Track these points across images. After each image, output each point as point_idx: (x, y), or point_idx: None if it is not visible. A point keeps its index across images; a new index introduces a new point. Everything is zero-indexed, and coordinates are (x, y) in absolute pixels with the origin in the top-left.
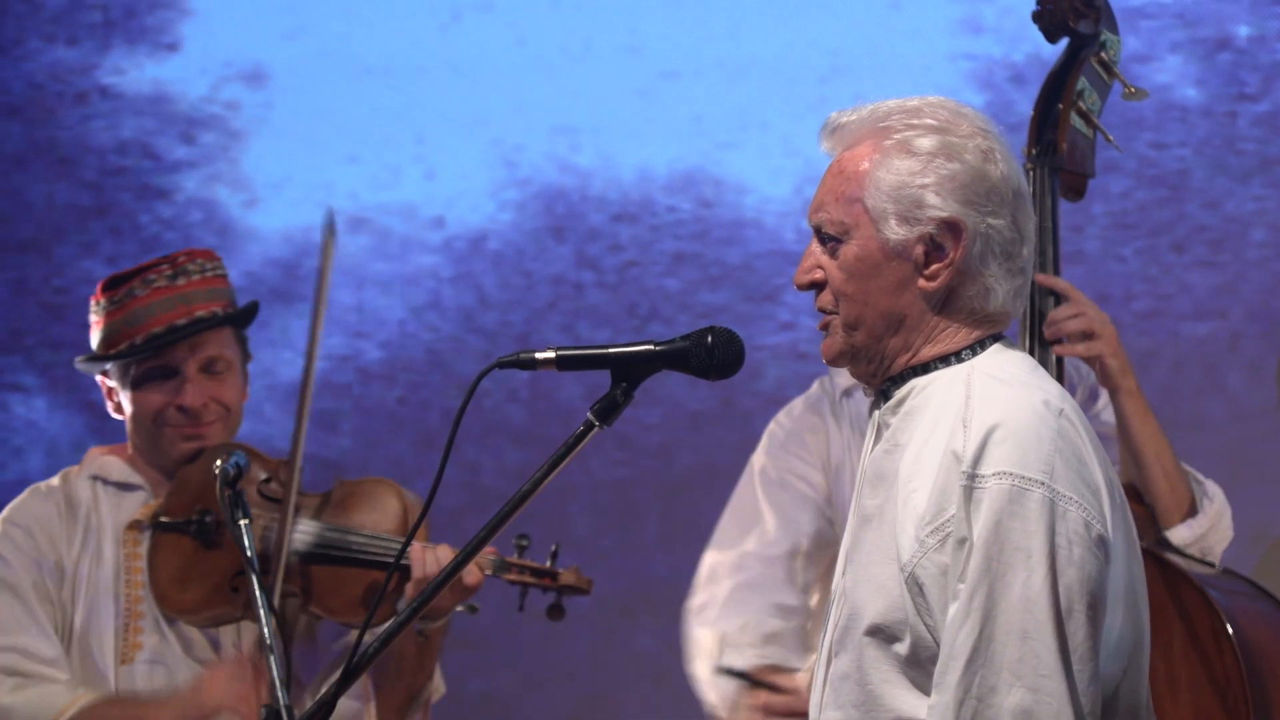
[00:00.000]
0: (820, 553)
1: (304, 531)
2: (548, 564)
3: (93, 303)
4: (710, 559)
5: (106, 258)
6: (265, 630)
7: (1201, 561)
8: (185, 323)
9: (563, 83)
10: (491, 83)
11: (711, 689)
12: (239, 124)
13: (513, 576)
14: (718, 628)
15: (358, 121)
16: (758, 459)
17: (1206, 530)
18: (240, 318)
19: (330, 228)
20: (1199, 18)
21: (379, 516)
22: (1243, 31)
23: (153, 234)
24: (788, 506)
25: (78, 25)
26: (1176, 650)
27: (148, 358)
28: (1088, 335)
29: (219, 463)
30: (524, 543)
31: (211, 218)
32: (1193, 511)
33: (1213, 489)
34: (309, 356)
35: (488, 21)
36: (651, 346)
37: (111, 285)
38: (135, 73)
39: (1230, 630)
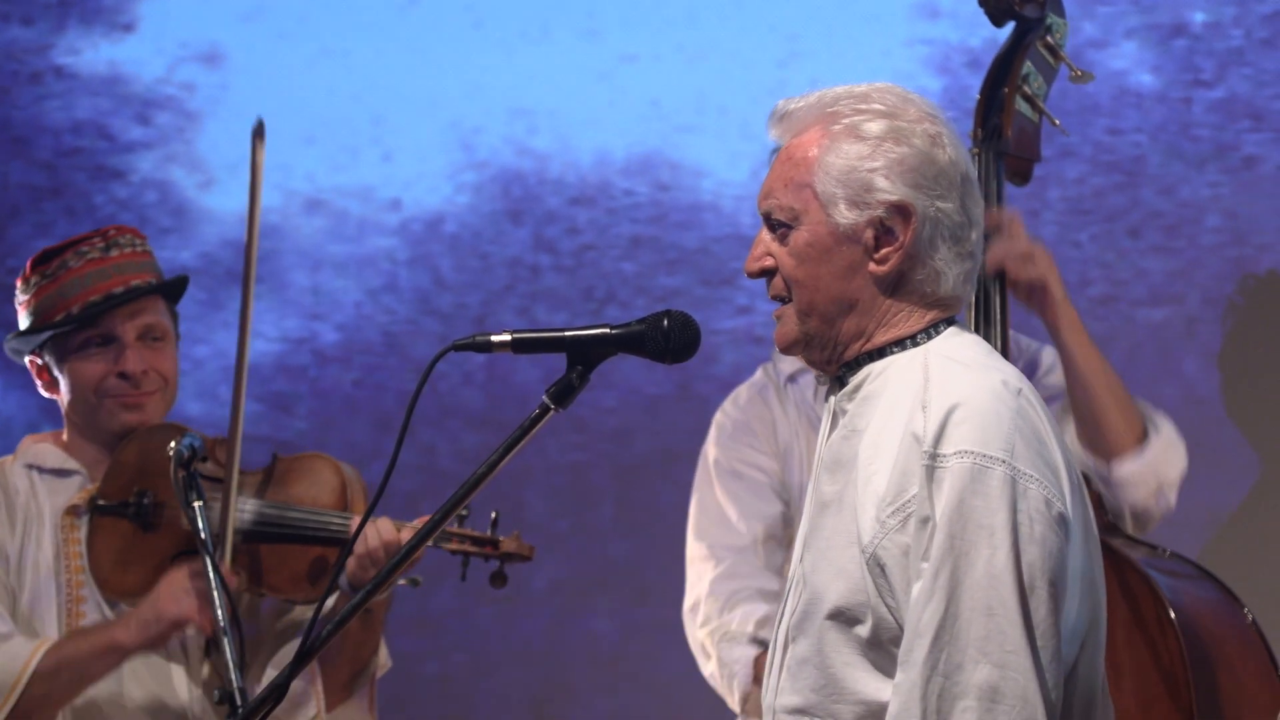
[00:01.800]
0: (786, 533)
1: (243, 509)
2: (489, 532)
3: (20, 282)
4: (689, 555)
5: (61, 238)
6: (219, 614)
7: (1148, 545)
8: (123, 290)
9: (520, 65)
10: (449, 65)
11: (726, 685)
12: (195, 105)
13: (454, 546)
14: (712, 625)
15: (314, 103)
16: (710, 450)
17: (1157, 456)
18: (172, 289)
19: (258, 131)
20: (1155, 4)
21: (317, 491)
22: (1198, 18)
23: (108, 214)
24: (745, 496)
25: (33, 4)
26: (1120, 635)
27: (85, 327)
28: (1028, 257)
29: (174, 444)
30: (464, 512)
31: (167, 199)
32: (1144, 437)
33: (1161, 419)
34: (245, 286)
35: (445, 4)
36: (607, 330)
37: (43, 260)
38: (91, 53)
39: (1173, 615)
